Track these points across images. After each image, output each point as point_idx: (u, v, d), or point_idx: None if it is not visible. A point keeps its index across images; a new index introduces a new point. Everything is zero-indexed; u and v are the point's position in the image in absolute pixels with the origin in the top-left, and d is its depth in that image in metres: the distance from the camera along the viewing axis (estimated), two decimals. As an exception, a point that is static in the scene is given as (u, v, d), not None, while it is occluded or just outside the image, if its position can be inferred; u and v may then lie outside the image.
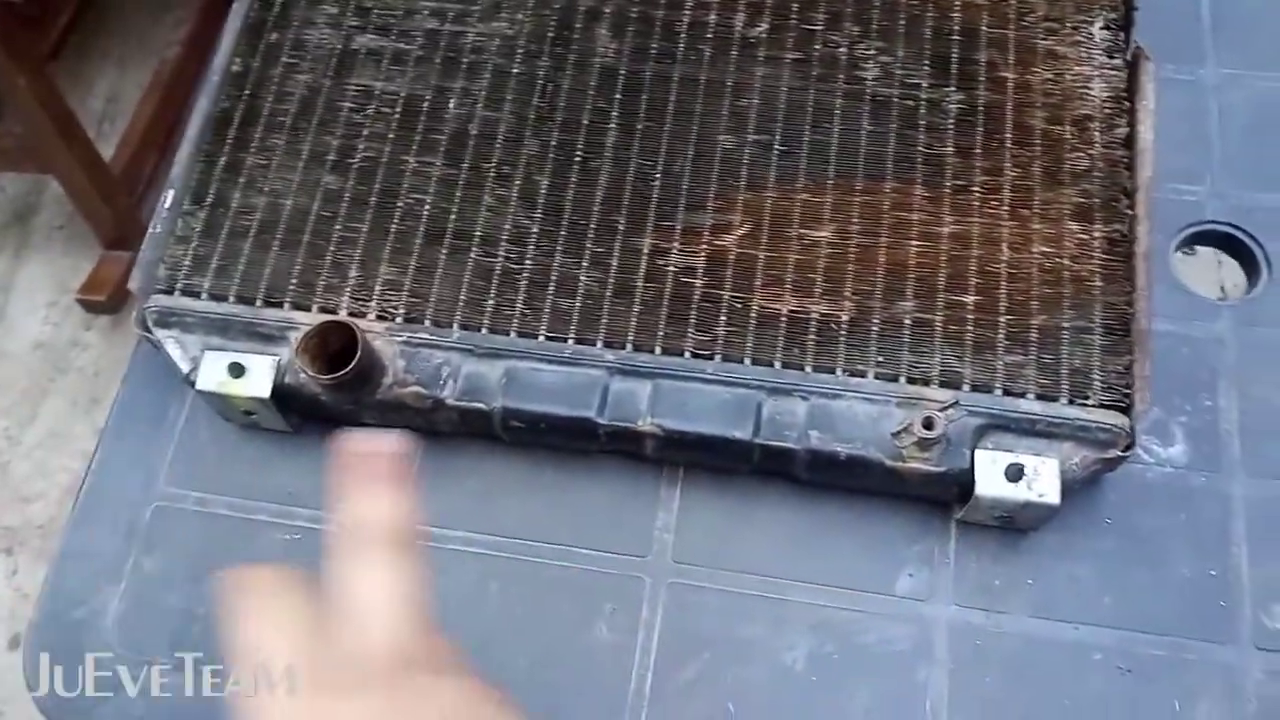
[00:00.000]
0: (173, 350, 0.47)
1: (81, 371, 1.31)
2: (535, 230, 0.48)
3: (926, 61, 0.51)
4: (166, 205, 0.50)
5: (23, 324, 1.34)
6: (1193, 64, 0.55)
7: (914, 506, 0.45)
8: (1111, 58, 0.50)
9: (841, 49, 0.51)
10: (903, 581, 0.44)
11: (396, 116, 0.51)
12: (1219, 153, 0.52)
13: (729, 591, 0.44)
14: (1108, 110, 0.49)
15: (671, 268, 0.47)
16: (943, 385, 0.43)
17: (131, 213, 1.21)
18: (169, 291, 0.48)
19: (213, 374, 0.46)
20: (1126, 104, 0.49)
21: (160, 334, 0.47)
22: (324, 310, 0.47)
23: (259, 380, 0.46)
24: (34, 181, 1.41)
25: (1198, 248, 0.53)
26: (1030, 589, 0.44)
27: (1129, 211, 0.46)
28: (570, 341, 0.46)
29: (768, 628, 0.44)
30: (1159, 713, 0.41)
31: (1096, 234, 0.46)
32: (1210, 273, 0.66)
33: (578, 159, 0.50)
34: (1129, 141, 0.48)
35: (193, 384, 0.46)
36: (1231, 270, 0.53)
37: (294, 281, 0.48)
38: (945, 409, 0.42)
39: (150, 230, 0.49)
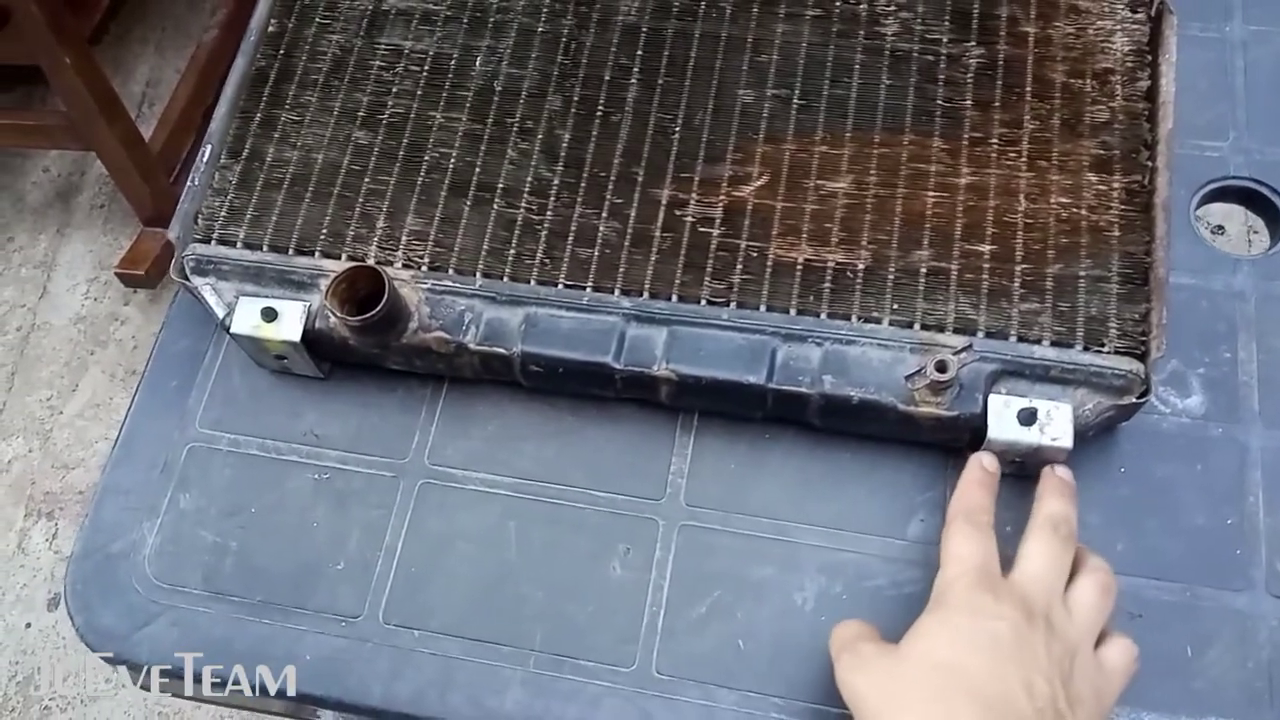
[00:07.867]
0: (209, 296, 0.49)
1: (120, 344, 1.35)
2: (556, 182, 0.49)
3: (947, 17, 0.51)
4: (205, 159, 0.51)
5: (65, 299, 1.39)
6: (1220, 20, 0.54)
7: (926, 453, 0.45)
8: (1135, 11, 0.50)
9: (862, 5, 0.52)
10: (914, 526, 0.45)
11: (424, 74, 0.53)
12: (1244, 109, 0.52)
13: (740, 534, 0.45)
14: (1129, 63, 0.49)
15: (689, 218, 0.48)
16: (957, 332, 0.44)
17: (169, 191, 1.24)
18: (206, 240, 0.50)
19: (247, 318, 0.48)
20: (1149, 57, 0.48)
21: (197, 281, 0.49)
22: (352, 259, 0.48)
23: (290, 324, 0.47)
24: (76, 162, 1.46)
25: (1226, 229, 0.52)
26: (1042, 535, 0.44)
27: (1149, 163, 0.46)
28: (588, 289, 0.47)
29: (778, 569, 0.44)
30: (1170, 657, 0.41)
31: (1115, 185, 0.46)
32: (1242, 246, 0.65)
33: (599, 114, 0.51)
34: (1150, 94, 0.48)
35: (228, 328, 0.48)
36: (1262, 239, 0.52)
37: (324, 231, 0.49)
38: (958, 352, 0.42)
39: (189, 184, 0.51)
